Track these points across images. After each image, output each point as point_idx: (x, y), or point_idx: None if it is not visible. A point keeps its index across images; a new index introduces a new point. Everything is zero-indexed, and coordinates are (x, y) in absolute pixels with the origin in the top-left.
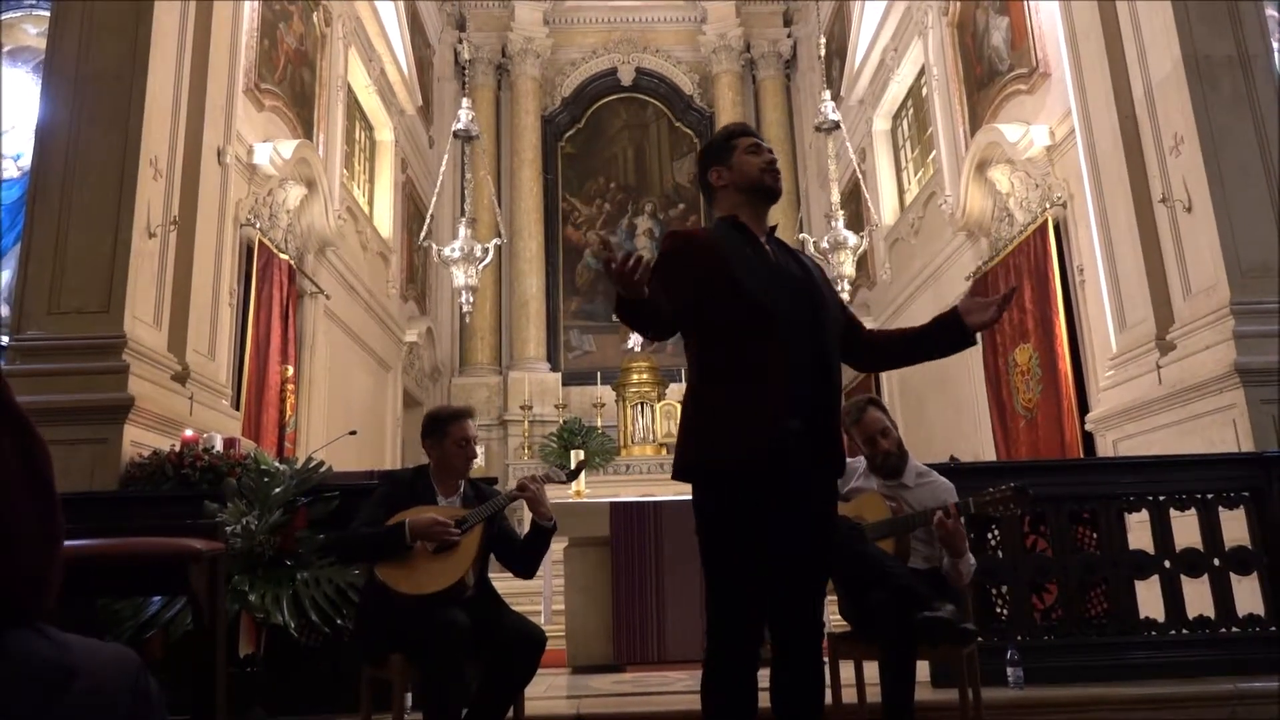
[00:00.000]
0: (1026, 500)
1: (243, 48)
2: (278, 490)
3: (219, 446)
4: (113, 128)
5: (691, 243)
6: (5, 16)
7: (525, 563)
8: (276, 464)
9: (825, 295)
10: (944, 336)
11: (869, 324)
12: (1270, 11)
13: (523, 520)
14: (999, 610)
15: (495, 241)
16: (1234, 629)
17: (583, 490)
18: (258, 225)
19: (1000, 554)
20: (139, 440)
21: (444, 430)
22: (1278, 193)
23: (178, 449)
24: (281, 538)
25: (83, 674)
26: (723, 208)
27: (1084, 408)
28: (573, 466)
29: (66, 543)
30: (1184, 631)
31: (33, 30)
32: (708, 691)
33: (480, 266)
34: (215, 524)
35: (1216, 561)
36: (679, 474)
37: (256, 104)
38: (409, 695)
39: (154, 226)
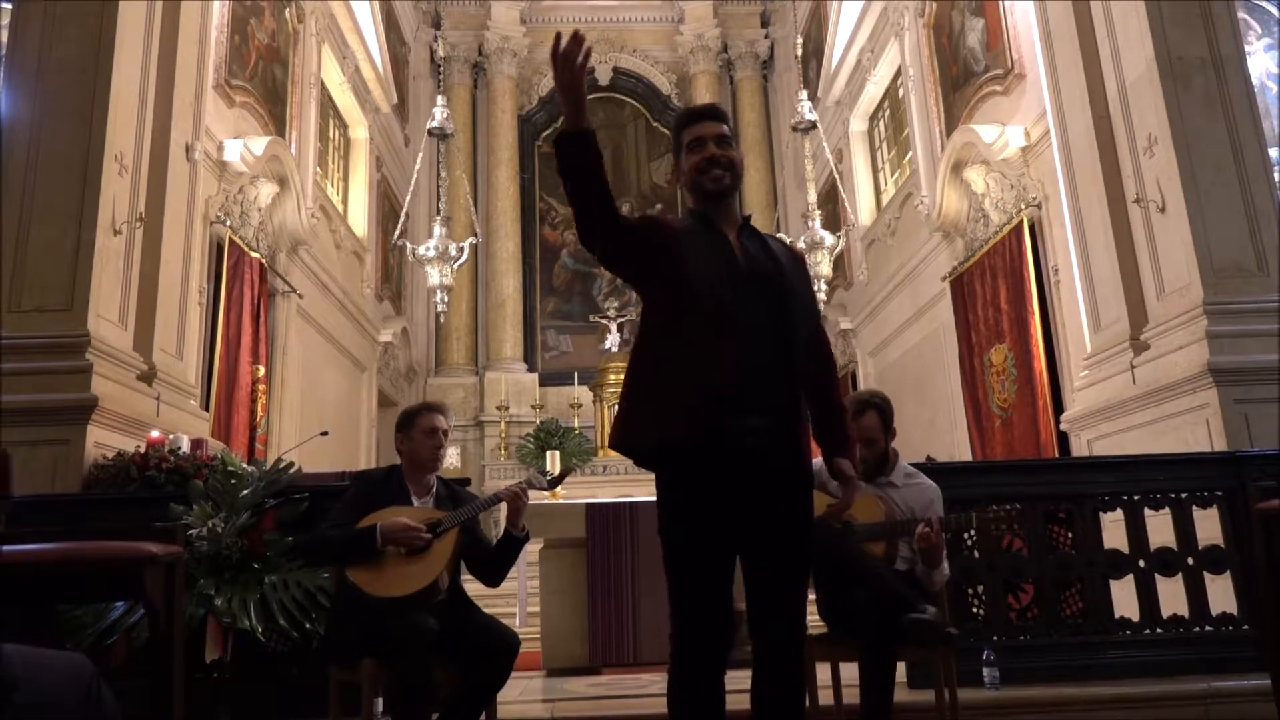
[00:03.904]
0: (1028, 521)
1: (212, 43)
2: (245, 492)
3: (185, 448)
4: (76, 122)
5: (661, 226)
6: None
7: (494, 571)
8: (244, 465)
9: (793, 290)
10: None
11: (845, 324)
12: (1242, 14)
13: (498, 521)
14: (975, 610)
15: (470, 240)
16: (1208, 628)
17: (558, 491)
18: (228, 223)
19: (976, 554)
20: (103, 441)
21: (412, 422)
22: (1250, 193)
23: (143, 450)
24: (249, 540)
25: (23, 686)
26: (691, 203)
27: (1059, 407)
28: (556, 473)
29: (17, 547)
30: (1158, 631)
31: None
32: (672, 696)
33: (455, 265)
34: (173, 527)
35: (1190, 560)
36: (613, 445)
37: (227, 100)
38: (379, 700)
39: (119, 223)
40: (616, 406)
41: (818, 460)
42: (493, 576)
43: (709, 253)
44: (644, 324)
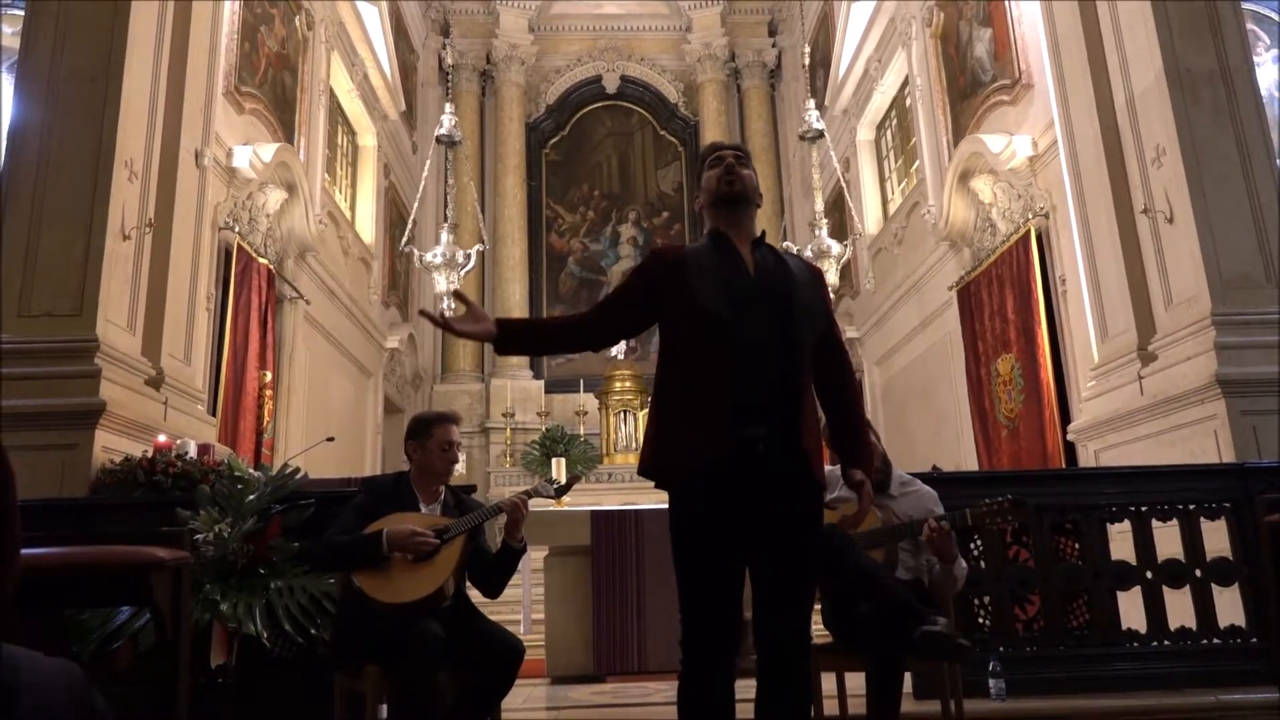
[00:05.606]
0: (1023, 513)
1: (222, 50)
2: (252, 498)
3: (193, 453)
4: (87, 128)
5: (661, 258)
6: None
7: (493, 582)
8: (251, 471)
9: (800, 303)
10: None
11: (851, 333)
12: (1250, 26)
13: (502, 528)
14: (981, 621)
15: (478, 248)
16: (1215, 640)
17: (563, 498)
18: (236, 229)
19: (983, 564)
20: (110, 446)
21: (428, 432)
22: (1259, 204)
23: (150, 455)
24: (255, 546)
25: (28, 692)
26: (708, 224)
27: (1066, 418)
28: (563, 482)
29: (25, 550)
30: (1166, 643)
31: (7, 30)
32: (682, 703)
33: (462, 272)
34: (181, 532)
35: (1198, 572)
36: (640, 472)
37: (236, 107)
38: (383, 707)
39: (129, 229)
40: (646, 434)
41: (833, 469)
42: (492, 587)
43: (715, 266)
44: (660, 347)
